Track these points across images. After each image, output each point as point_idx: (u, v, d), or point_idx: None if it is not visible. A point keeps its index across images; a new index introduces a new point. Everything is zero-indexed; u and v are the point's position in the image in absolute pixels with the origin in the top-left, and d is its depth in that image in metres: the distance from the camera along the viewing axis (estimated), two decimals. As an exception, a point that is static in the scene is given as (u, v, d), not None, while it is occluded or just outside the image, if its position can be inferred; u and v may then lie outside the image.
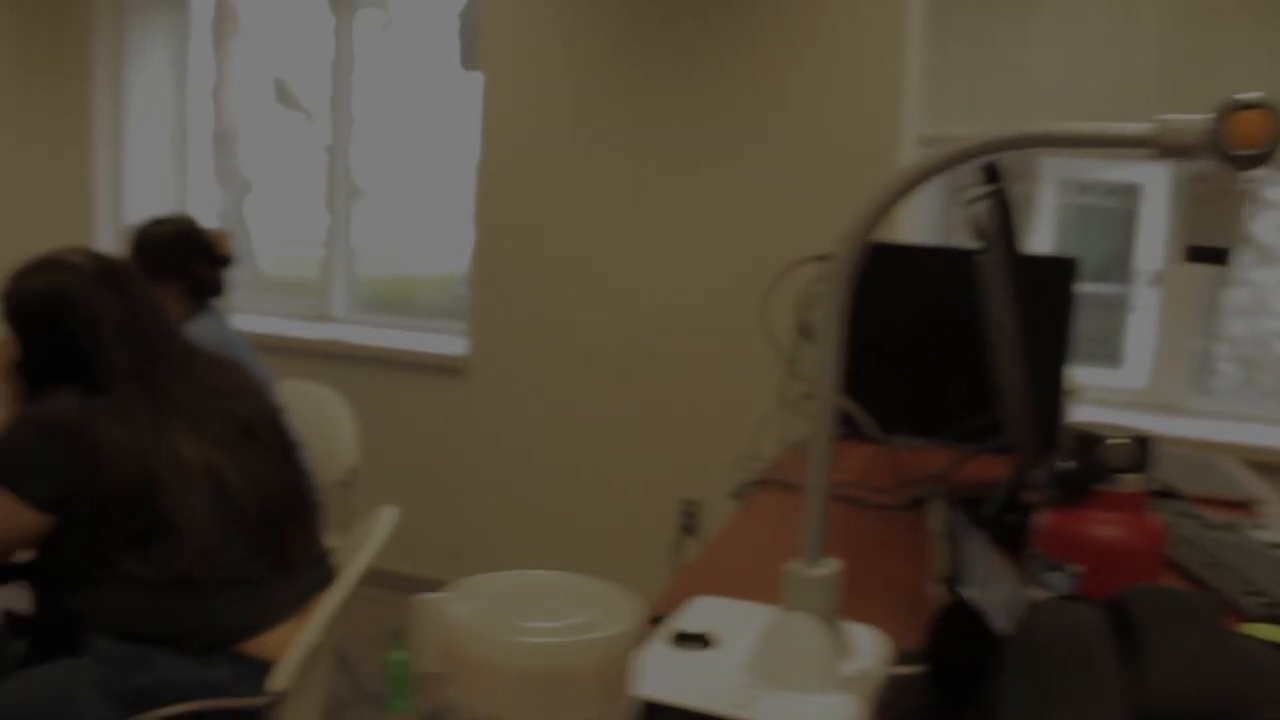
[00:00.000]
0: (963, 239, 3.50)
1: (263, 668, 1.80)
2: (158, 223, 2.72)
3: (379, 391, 3.99)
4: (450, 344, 4.02)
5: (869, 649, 0.97)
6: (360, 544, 2.00)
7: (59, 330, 1.85)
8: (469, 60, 4.29)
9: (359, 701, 3.19)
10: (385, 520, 2.01)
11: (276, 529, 1.90)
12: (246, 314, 4.46)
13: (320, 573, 1.98)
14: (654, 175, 3.56)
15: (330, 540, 2.09)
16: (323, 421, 2.86)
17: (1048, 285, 1.89)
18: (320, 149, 4.46)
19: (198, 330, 2.57)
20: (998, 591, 1.02)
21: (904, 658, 1.02)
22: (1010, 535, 1.41)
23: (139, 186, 4.58)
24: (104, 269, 1.91)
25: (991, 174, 1.40)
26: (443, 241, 4.55)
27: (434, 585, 3.96)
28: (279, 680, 1.76)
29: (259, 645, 1.83)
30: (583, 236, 3.68)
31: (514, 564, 3.88)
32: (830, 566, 0.90)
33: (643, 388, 3.64)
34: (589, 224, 3.67)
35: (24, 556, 1.91)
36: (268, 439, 1.97)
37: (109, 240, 4.44)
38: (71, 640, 1.91)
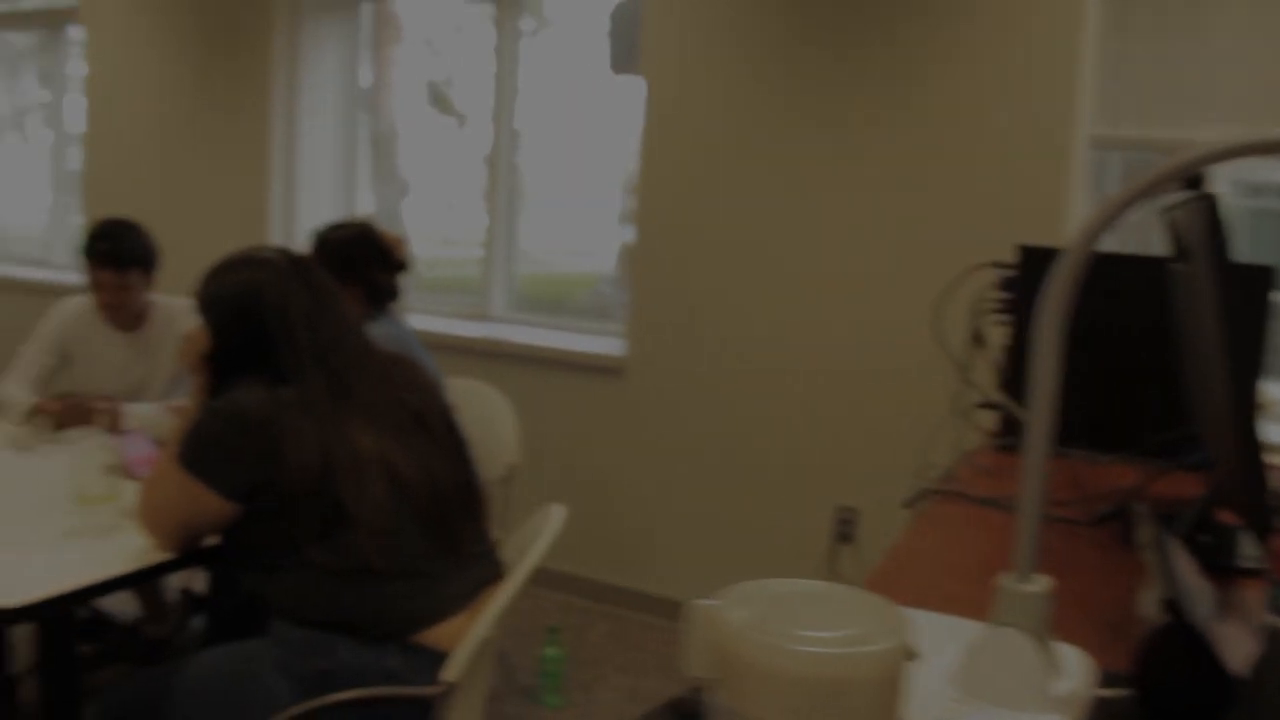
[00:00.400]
0: (1131, 245, 3.37)
1: (434, 658, 1.84)
2: (336, 228, 2.82)
3: (537, 390, 4.04)
4: (606, 344, 4.05)
5: (1075, 669, 0.94)
6: (528, 540, 2.03)
7: (252, 322, 1.94)
8: (619, 62, 4.32)
9: (512, 694, 3.25)
10: (554, 518, 2.04)
11: (448, 522, 1.95)
12: (405, 312, 4.58)
13: (489, 566, 2.02)
14: (819, 177, 3.52)
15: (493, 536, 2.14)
16: (485, 419, 2.92)
17: (1242, 294, 1.81)
18: (474, 151, 4.55)
19: (375, 333, 2.63)
20: (1199, 614, 0.98)
21: (1109, 680, 0.98)
22: (1204, 555, 1.35)
23: (310, 193, 4.75)
24: (294, 263, 2.02)
25: (1193, 180, 1.34)
26: (589, 241, 4.60)
27: (586, 583, 4.00)
28: (451, 671, 1.79)
29: (431, 636, 1.87)
30: (744, 239, 3.66)
31: (665, 563, 3.90)
32: (1042, 583, 0.88)
33: (801, 391, 3.61)
34: (750, 226, 3.64)
35: (207, 541, 2.00)
36: (440, 434, 2.02)
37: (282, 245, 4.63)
38: (249, 622, 1.99)
